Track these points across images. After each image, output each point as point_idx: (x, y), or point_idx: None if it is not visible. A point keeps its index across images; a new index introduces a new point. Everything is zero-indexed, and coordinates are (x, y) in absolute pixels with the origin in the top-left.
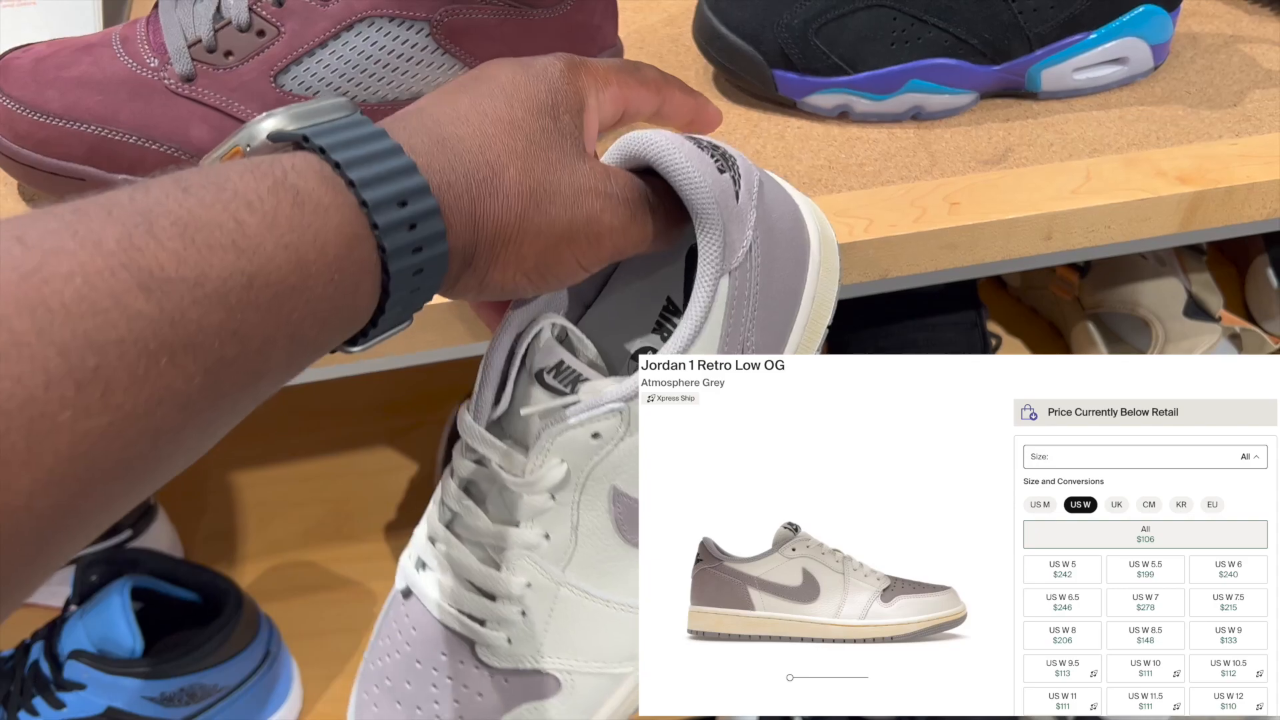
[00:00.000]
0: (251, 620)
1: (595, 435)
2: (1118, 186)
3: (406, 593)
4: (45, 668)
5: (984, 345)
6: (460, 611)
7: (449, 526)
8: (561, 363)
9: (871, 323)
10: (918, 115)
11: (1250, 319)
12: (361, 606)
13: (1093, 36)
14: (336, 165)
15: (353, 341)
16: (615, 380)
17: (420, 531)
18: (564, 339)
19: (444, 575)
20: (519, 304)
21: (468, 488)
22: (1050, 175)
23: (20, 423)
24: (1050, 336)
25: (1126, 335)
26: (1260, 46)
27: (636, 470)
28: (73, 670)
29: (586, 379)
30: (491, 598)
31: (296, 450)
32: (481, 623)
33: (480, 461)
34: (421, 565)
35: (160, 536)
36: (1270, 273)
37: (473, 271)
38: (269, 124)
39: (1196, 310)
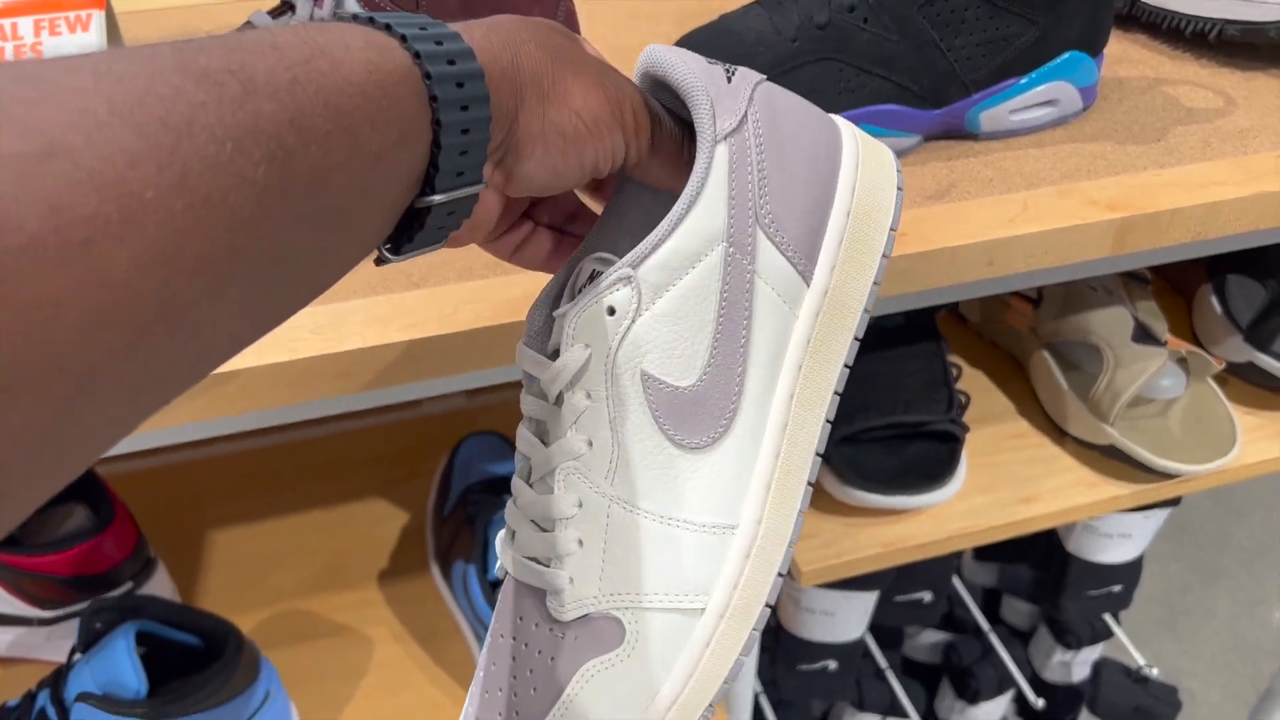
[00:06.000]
0: (252, 662)
1: (611, 310)
2: (1052, 215)
3: (503, 573)
4: (52, 713)
5: (945, 375)
6: (529, 558)
7: (525, 477)
8: (595, 271)
9: None
10: None
11: (1198, 344)
12: (359, 653)
13: (1024, 81)
14: (354, 16)
15: (430, 187)
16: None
17: (508, 503)
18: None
19: (520, 529)
20: (580, 247)
21: (534, 427)
22: (990, 207)
23: (111, 198)
24: (1009, 366)
25: (1080, 361)
26: (1181, 88)
27: (665, 348)
28: (80, 714)
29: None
30: (551, 529)
31: (292, 504)
32: (547, 564)
33: (535, 392)
34: (511, 535)
35: (160, 589)
36: (1214, 300)
37: (527, 109)
38: None
39: (1144, 335)
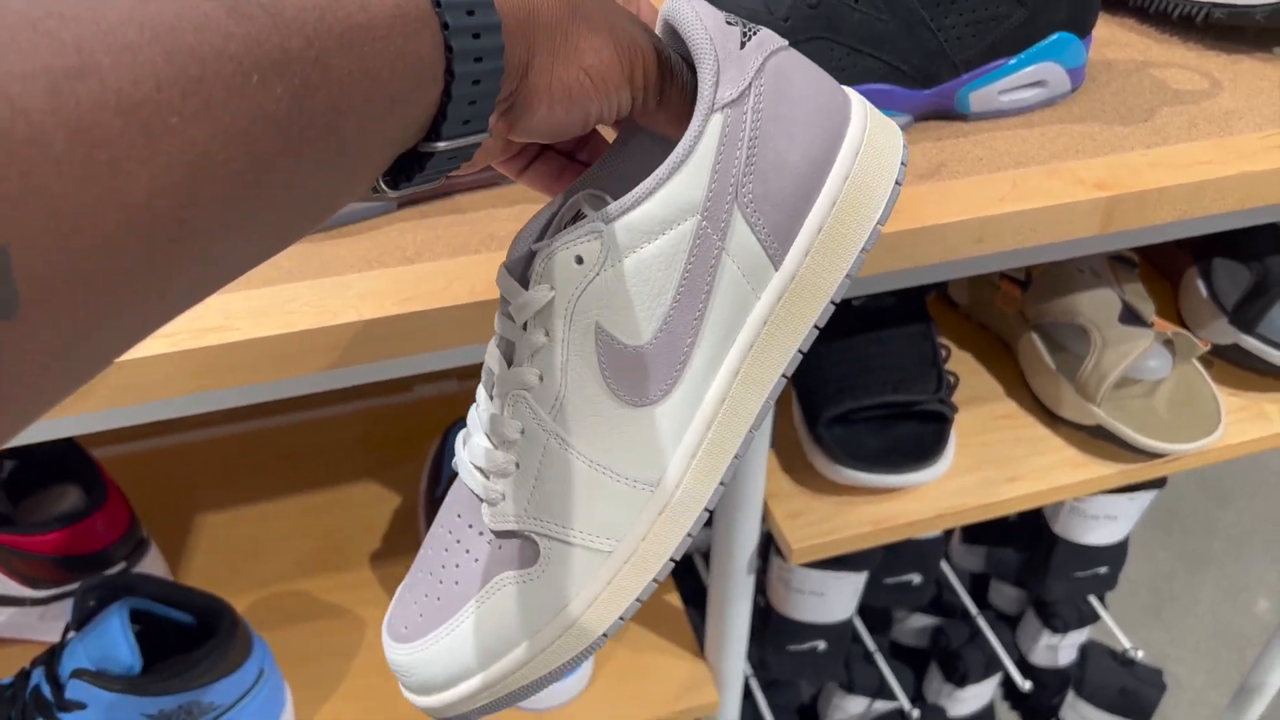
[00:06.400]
0: (245, 639)
1: (579, 260)
2: (1041, 193)
3: (455, 469)
4: (47, 690)
5: (935, 355)
6: (475, 465)
7: (488, 389)
8: (579, 212)
9: (826, 336)
10: None
11: (1184, 326)
12: (351, 633)
13: (1013, 62)
14: None
15: (435, 133)
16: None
17: (471, 407)
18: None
19: (475, 434)
20: (580, 179)
21: (502, 344)
22: (980, 185)
23: (137, 121)
24: (997, 348)
25: (1067, 343)
26: (1168, 70)
27: (620, 307)
28: (74, 690)
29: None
30: (497, 446)
31: (285, 486)
32: (486, 476)
33: (506, 313)
34: (466, 436)
35: (152, 570)
36: (1200, 283)
37: (537, 66)
38: None
39: (1131, 317)
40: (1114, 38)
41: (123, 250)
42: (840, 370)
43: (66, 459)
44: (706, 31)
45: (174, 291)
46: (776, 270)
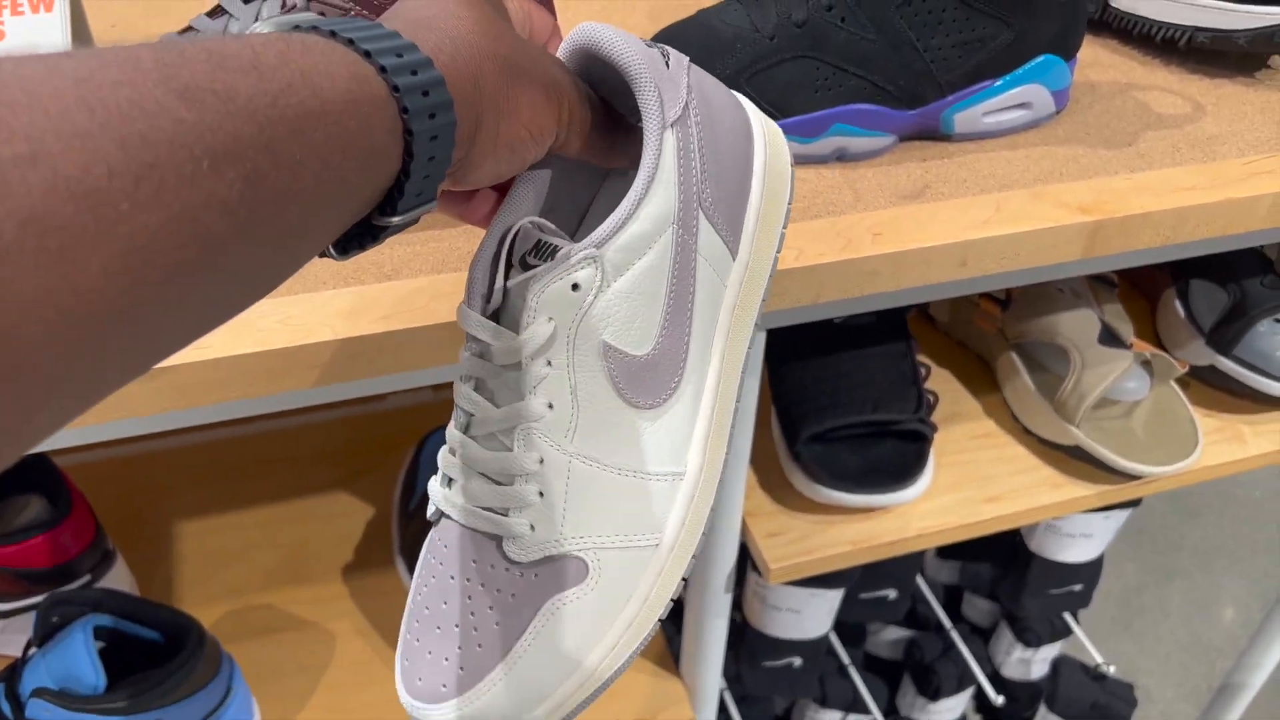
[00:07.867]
0: (213, 657)
1: (575, 287)
2: (1025, 217)
3: (437, 517)
4: (6, 708)
5: (914, 374)
6: (483, 508)
7: (464, 430)
8: (539, 241)
9: (805, 355)
10: (842, 156)
11: (1161, 347)
12: (320, 646)
13: (998, 84)
14: (333, 34)
15: (390, 208)
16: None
17: (443, 451)
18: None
19: (466, 480)
20: (504, 210)
21: (475, 385)
22: (964, 208)
23: (88, 208)
24: (977, 367)
25: (1047, 362)
26: (1151, 93)
27: (623, 322)
28: (35, 709)
29: (562, 246)
30: (509, 483)
31: (254, 496)
32: (504, 513)
33: (481, 354)
34: (448, 482)
35: (119, 582)
36: (1178, 304)
37: (484, 130)
38: (260, 26)
39: (1110, 338)
40: (1097, 59)
41: (70, 333)
42: (820, 389)
43: (30, 468)
44: (637, 57)
45: (119, 367)
46: (734, 259)
